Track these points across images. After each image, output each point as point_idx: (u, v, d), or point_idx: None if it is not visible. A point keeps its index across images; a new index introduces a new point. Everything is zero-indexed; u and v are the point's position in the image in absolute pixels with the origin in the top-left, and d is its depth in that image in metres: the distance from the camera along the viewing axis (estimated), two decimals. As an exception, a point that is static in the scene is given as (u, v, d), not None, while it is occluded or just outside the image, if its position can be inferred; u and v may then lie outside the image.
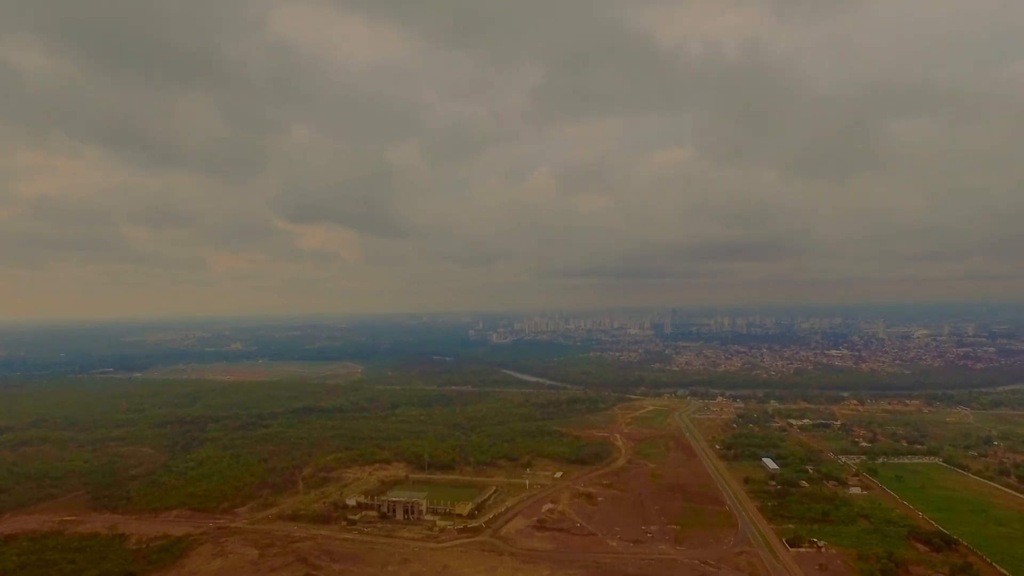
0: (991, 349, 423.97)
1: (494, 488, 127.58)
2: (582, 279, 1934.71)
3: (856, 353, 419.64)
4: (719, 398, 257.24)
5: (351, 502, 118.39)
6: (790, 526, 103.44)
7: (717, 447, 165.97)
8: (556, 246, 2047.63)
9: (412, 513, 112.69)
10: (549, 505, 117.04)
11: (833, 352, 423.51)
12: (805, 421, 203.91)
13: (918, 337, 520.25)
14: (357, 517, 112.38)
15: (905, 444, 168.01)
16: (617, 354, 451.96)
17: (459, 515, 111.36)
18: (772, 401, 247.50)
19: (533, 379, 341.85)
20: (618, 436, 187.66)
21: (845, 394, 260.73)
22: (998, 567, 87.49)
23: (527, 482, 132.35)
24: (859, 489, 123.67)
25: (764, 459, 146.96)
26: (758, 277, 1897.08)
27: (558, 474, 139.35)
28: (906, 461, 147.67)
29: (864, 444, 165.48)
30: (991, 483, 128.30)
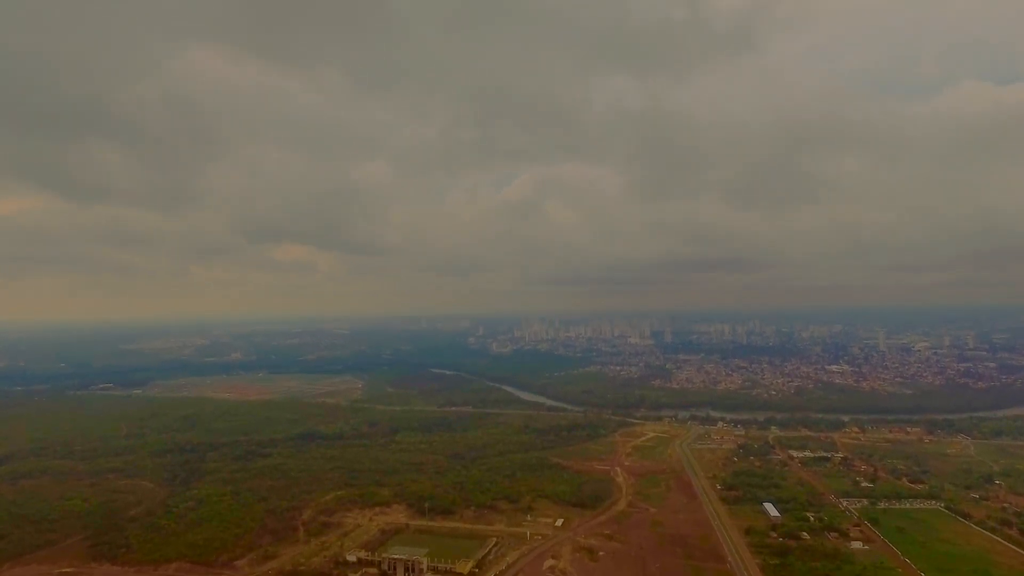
0: (992, 364, 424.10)
1: (495, 540, 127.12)
2: (576, 286, 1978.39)
3: (856, 369, 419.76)
4: (719, 423, 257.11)
5: (351, 558, 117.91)
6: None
7: (718, 487, 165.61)
8: (540, 256, 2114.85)
9: (413, 572, 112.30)
10: (551, 561, 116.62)
11: (833, 368, 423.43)
12: (806, 453, 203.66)
13: (918, 350, 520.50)
14: (357, 575, 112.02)
15: (906, 482, 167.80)
16: (618, 368, 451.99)
17: (459, 574, 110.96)
18: (773, 427, 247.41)
19: (533, 398, 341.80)
20: (619, 470, 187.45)
21: (846, 419, 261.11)
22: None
23: (528, 532, 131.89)
24: (860, 543, 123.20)
25: (765, 504, 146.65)
26: (746, 284, 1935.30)
27: (559, 521, 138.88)
28: (908, 506, 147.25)
29: (865, 484, 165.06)
30: (993, 535, 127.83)
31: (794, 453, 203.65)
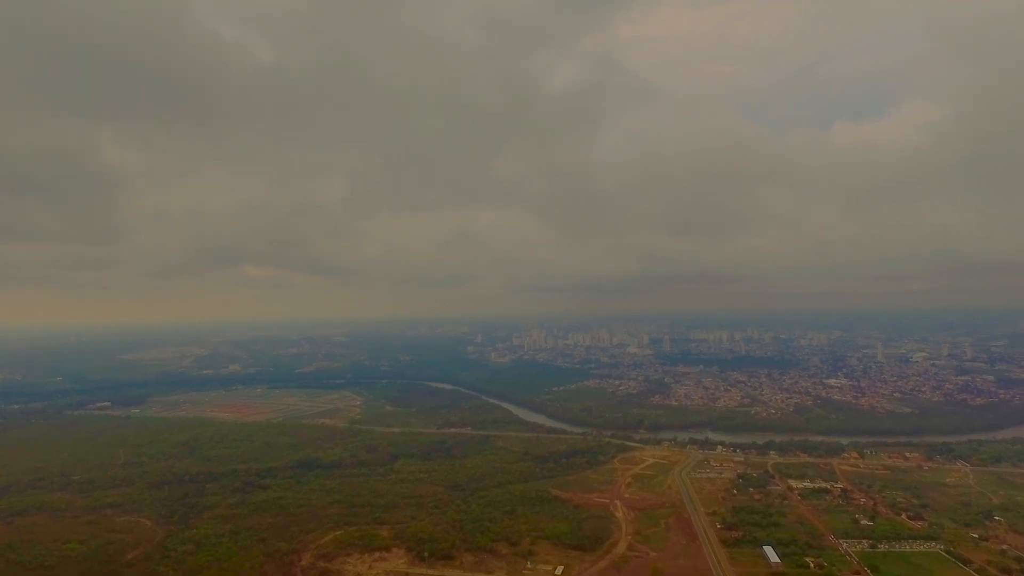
0: (989, 378, 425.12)
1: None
2: (567, 293, 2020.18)
3: (855, 383, 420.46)
4: (719, 448, 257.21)
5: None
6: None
7: (718, 525, 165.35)
8: (515, 269, 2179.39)
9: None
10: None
11: (832, 382, 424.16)
12: (805, 483, 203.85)
13: (916, 361, 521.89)
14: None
15: (906, 519, 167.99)
16: (617, 383, 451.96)
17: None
18: (772, 452, 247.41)
19: (532, 418, 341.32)
20: (618, 503, 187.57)
21: (845, 442, 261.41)
22: None
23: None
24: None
25: (765, 547, 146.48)
26: (734, 292, 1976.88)
27: (559, 569, 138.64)
28: (907, 549, 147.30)
29: (865, 522, 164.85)
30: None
31: (793, 483, 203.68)
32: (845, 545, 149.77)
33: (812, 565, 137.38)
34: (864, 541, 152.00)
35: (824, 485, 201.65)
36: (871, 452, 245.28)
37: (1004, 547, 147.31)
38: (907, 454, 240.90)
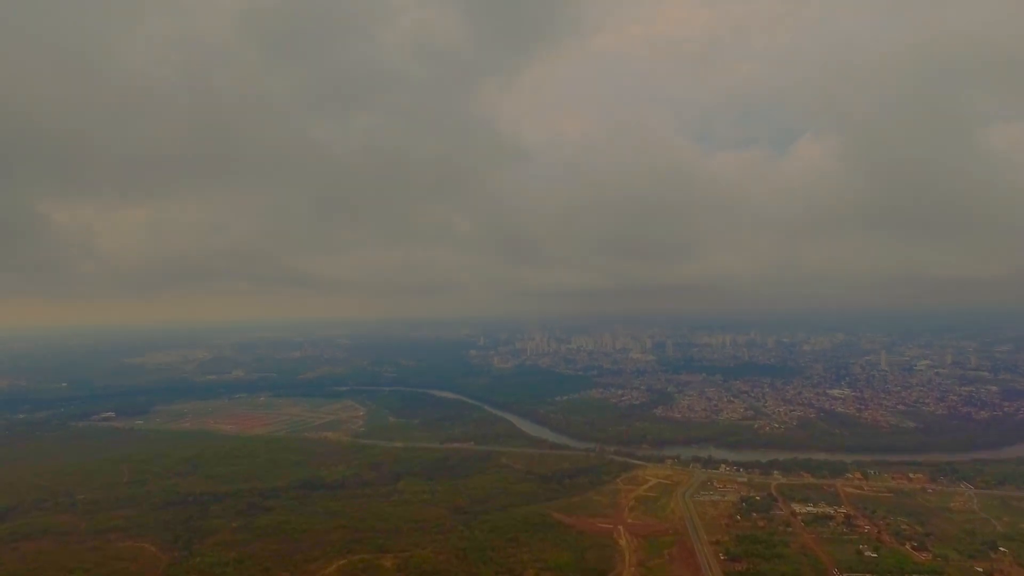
0: (993, 388, 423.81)
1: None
2: (558, 297, 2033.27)
3: (858, 393, 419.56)
4: (722, 467, 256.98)
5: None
6: None
7: (722, 556, 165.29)
8: (493, 278, 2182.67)
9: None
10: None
11: (835, 392, 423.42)
12: (809, 508, 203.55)
13: (920, 369, 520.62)
14: None
15: (909, 549, 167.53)
16: (620, 392, 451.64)
17: None
18: (775, 472, 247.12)
19: (536, 431, 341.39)
20: (621, 529, 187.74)
21: (848, 460, 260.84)
22: None
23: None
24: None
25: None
26: (729, 295, 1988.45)
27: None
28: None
29: (869, 554, 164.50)
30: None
31: (797, 508, 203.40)
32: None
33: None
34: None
35: (828, 510, 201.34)
36: (875, 472, 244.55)
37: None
38: (911, 475, 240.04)
